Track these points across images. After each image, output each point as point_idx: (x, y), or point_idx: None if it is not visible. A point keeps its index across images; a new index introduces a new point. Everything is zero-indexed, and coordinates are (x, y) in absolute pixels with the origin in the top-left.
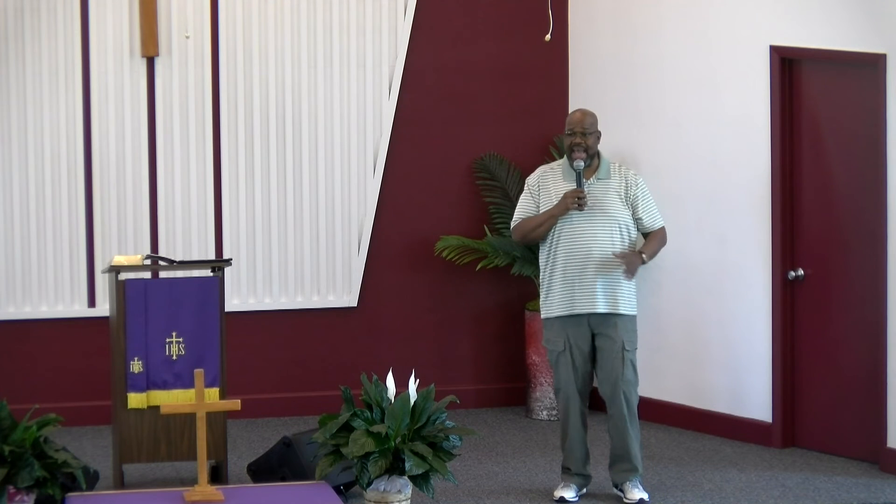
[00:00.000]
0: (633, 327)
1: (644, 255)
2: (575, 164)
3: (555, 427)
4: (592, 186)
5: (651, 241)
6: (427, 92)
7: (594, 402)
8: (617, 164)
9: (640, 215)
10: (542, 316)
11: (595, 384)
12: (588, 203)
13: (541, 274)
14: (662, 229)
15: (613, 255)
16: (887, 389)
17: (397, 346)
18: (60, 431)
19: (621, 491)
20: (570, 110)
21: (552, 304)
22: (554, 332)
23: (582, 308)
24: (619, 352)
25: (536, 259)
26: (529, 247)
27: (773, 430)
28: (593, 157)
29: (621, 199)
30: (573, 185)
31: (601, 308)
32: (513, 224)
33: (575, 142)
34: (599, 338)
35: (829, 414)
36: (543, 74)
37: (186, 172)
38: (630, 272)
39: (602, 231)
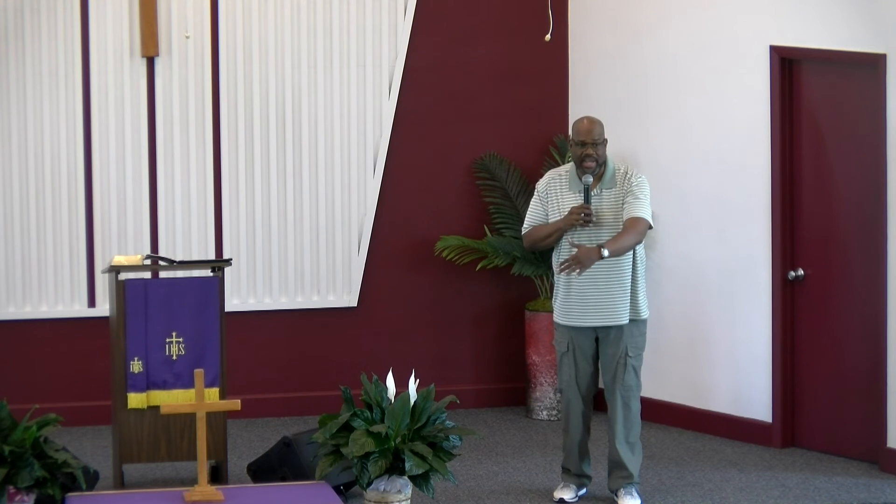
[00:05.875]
0: (640, 332)
1: (604, 250)
2: (584, 178)
3: (555, 427)
4: (598, 198)
5: (621, 233)
6: (427, 92)
7: (599, 404)
8: (623, 170)
9: (623, 206)
10: (553, 317)
11: (601, 385)
12: (593, 218)
13: (554, 276)
14: (638, 220)
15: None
16: (887, 389)
17: (397, 346)
18: (60, 431)
19: (616, 497)
20: (571, 110)
21: (558, 310)
22: (559, 333)
23: (583, 321)
24: (621, 357)
25: (536, 259)
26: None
27: (773, 430)
28: (601, 165)
29: (622, 209)
30: (579, 196)
31: (602, 321)
32: (523, 230)
33: (586, 153)
34: (602, 343)
35: (829, 414)
36: (543, 74)
37: (186, 172)
38: (581, 266)
39: None
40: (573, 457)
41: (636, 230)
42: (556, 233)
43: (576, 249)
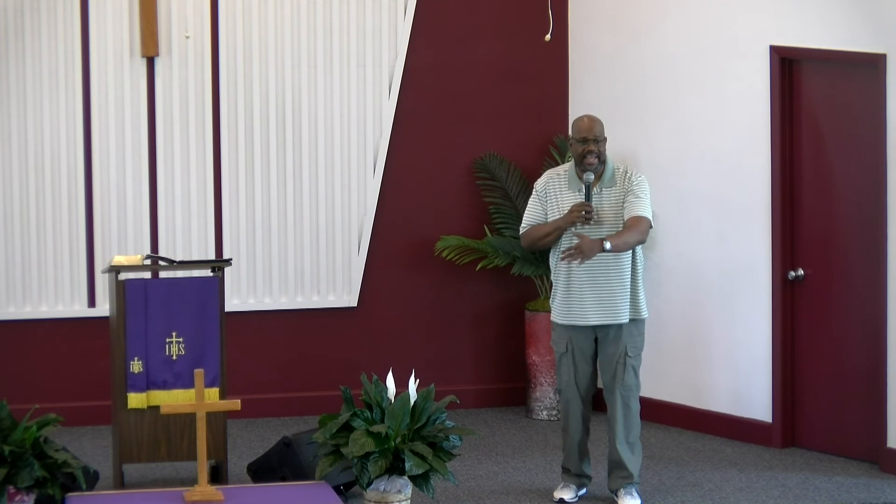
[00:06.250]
0: (639, 331)
1: (606, 243)
2: (585, 176)
3: (555, 427)
4: (598, 197)
5: (624, 229)
6: (427, 92)
7: (598, 404)
8: (623, 169)
9: (624, 205)
10: (551, 317)
11: (600, 385)
12: (595, 216)
13: (552, 275)
14: (641, 219)
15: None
16: (887, 389)
17: (397, 346)
18: (60, 431)
19: (616, 497)
20: (571, 110)
21: (556, 310)
22: (558, 333)
23: (582, 320)
24: (620, 356)
25: (536, 259)
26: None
27: (773, 430)
28: (602, 163)
29: (623, 208)
30: (578, 195)
31: (601, 320)
32: (521, 230)
33: (588, 149)
34: (602, 343)
35: (829, 414)
36: (543, 74)
37: (186, 172)
38: (583, 255)
39: None
40: (573, 457)
41: (638, 229)
42: (556, 231)
43: (578, 240)
